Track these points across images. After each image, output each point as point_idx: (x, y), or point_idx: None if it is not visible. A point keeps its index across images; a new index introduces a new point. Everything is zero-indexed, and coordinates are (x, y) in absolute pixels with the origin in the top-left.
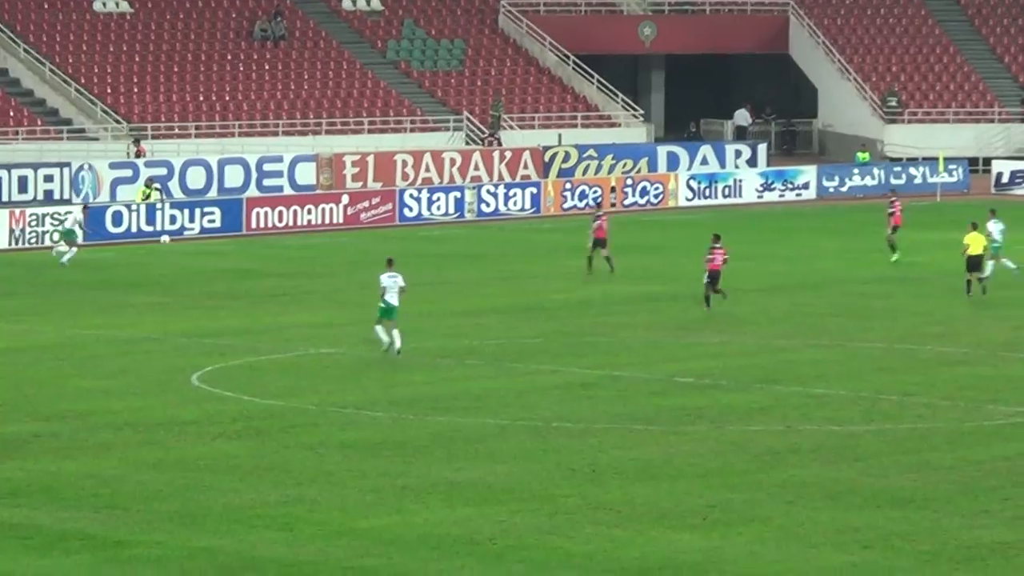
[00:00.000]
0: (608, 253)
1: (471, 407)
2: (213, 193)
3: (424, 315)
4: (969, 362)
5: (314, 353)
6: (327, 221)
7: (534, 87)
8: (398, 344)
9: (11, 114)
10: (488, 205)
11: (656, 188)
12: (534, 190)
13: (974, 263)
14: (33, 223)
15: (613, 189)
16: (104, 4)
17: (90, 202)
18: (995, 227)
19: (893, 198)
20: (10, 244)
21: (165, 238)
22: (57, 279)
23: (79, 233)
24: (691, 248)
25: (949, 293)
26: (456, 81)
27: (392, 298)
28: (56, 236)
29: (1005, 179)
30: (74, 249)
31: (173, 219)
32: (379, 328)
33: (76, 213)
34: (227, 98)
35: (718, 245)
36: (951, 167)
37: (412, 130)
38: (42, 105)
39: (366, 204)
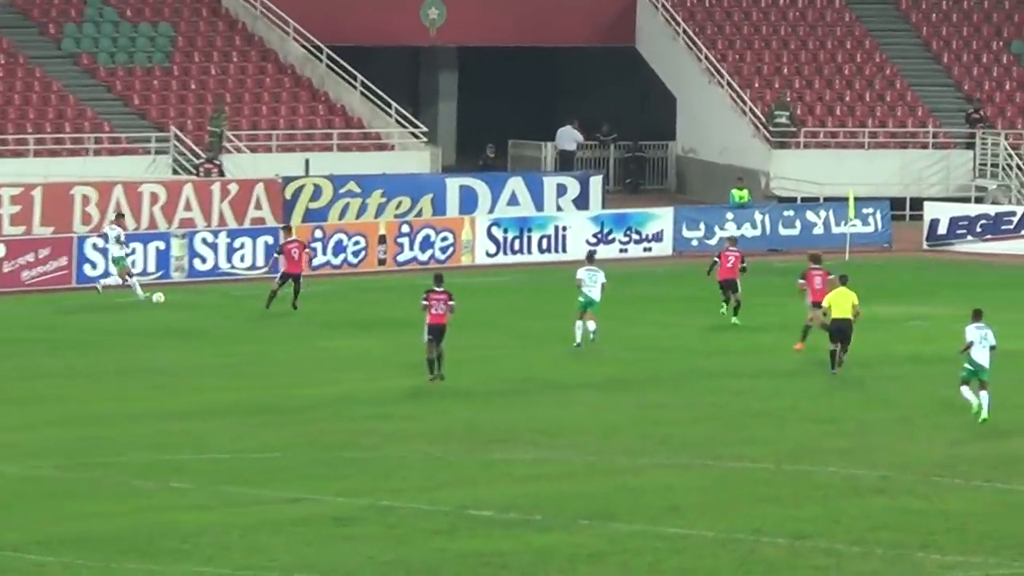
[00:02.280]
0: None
1: (178, 550)
2: None
3: (114, 418)
4: (889, 490)
5: None
6: None
7: (271, 92)
8: None
9: None
10: (205, 261)
11: (444, 238)
12: (270, 239)
13: (839, 329)
14: None
15: (383, 239)
16: None
17: None
18: (587, 276)
19: (728, 246)
20: None
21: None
22: None
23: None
24: (495, 324)
25: (860, 390)
26: (161, 83)
27: None
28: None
29: (942, 229)
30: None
31: None
32: None
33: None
34: None
35: (440, 288)
36: (865, 211)
37: (97, 152)
38: None
39: (30, 258)
